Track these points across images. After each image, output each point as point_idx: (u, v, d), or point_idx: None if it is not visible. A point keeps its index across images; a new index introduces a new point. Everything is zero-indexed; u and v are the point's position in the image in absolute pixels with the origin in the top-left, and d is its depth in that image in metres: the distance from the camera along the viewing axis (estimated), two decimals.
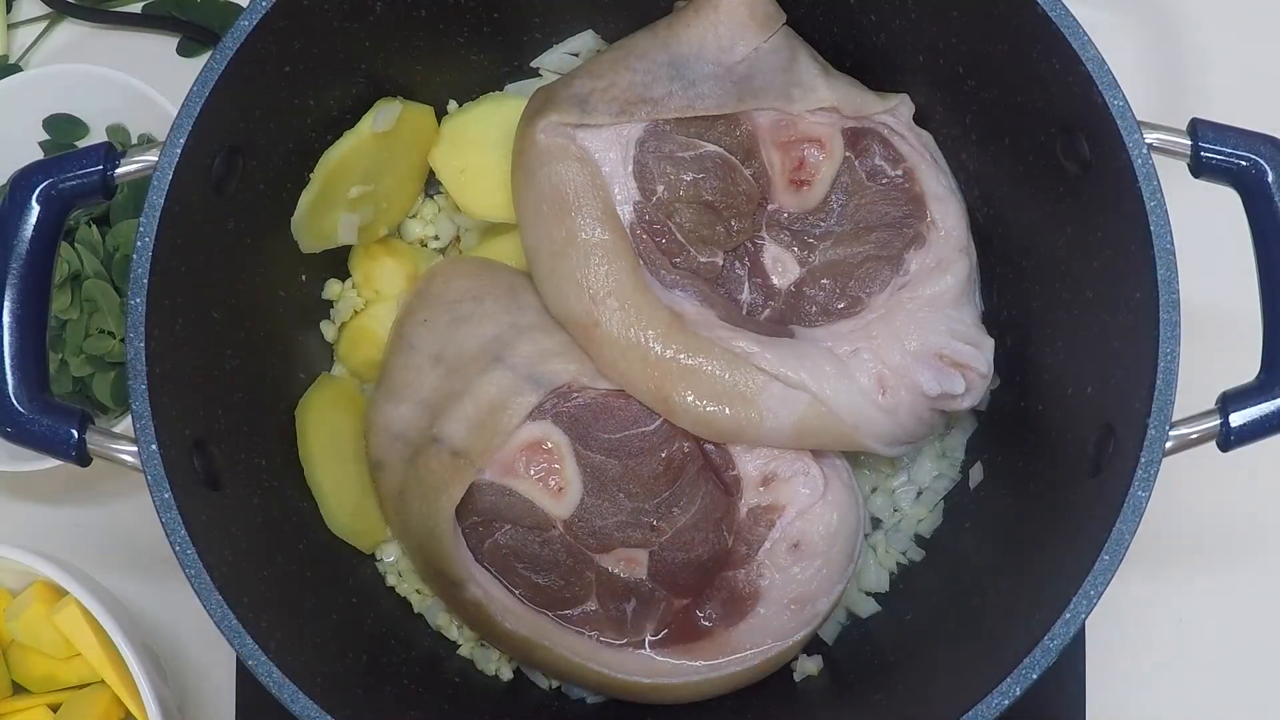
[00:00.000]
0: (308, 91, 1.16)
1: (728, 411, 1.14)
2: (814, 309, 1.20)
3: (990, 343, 1.18)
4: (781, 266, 1.21)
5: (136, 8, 1.48)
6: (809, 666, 1.22)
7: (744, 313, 1.20)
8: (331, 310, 1.29)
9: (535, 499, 1.16)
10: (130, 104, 1.34)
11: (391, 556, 1.25)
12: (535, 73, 1.32)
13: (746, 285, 1.20)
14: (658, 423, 1.16)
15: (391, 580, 1.26)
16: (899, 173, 1.20)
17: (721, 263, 1.19)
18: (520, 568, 1.16)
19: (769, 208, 1.20)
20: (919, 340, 1.16)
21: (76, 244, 1.31)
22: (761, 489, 1.17)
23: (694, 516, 1.17)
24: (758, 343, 1.15)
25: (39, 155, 1.37)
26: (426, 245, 1.31)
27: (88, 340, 1.30)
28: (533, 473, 1.16)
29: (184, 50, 1.47)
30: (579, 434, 1.16)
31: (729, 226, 1.19)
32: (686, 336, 1.14)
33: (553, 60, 1.32)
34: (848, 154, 1.20)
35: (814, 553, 1.16)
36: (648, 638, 1.17)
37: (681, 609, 1.18)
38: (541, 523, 1.16)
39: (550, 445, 1.16)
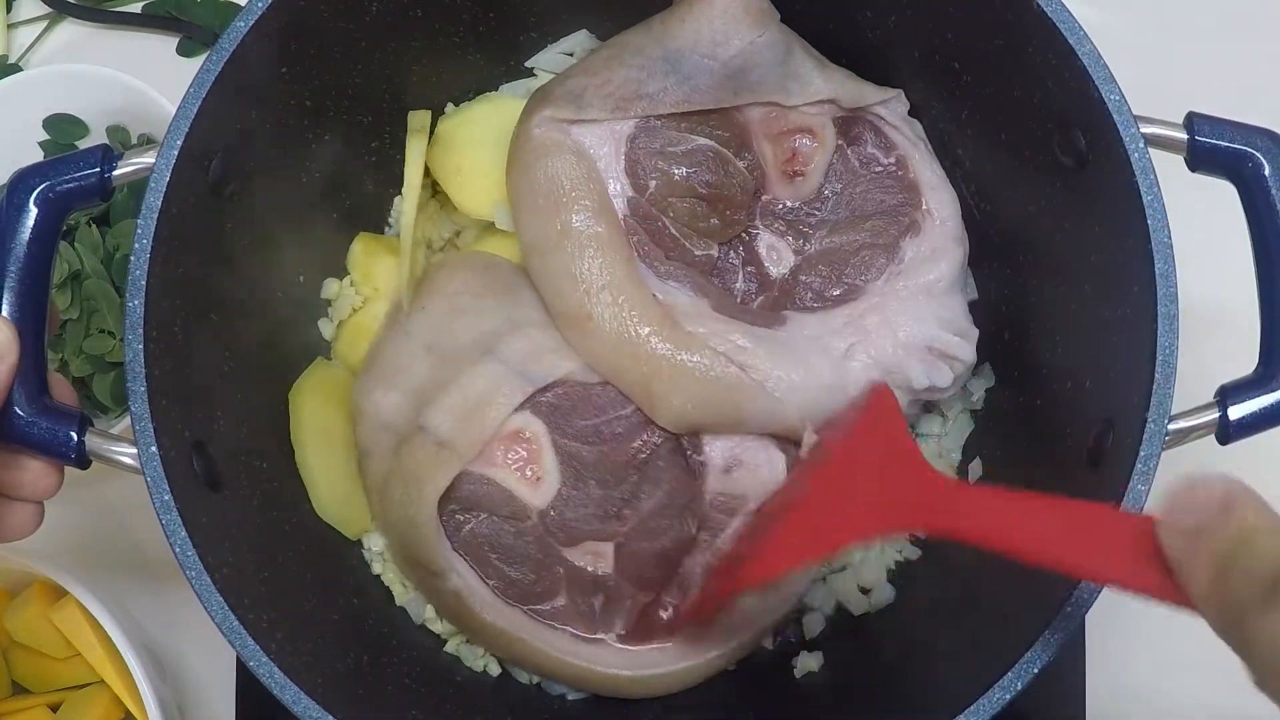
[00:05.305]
0: (304, 93, 1.15)
1: (713, 413, 1.14)
2: (809, 295, 1.20)
3: (975, 332, 1.19)
4: (777, 255, 1.20)
5: (136, 8, 1.48)
6: (809, 663, 1.22)
7: (739, 302, 1.20)
8: (329, 308, 1.29)
9: (513, 488, 1.16)
10: (130, 104, 1.34)
11: (378, 545, 1.25)
12: (530, 73, 1.32)
13: (741, 275, 1.20)
14: (633, 407, 1.16)
15: (377, 568, 1.25)
16: (892, 160, 1.20)
17: (716, 254, 1.19)
18: (494, 559, 1.16)
19: (763, 198, 1.20)
20: (909, 330, 1.16)
21: (76, 244, 1.31)
22: (725, 475, 1.17)
23: (659, 501, 1.16)
24: (751, 338, 1.15)
25: (39, 155, 1.37)
26: (426, 244, 1.31)
27: (88, 340, 1.30)
28: (511, 462, 1.15)
29: (184, 50, 1.47)
30: (556, 422, 1.16)
31: (724, 218, 1.19)
32: (678, 334, 1.14)
33: (547, 60, 1.32)
34: (840, 142, 1.20)
35: None
36: (616, 633, 1.17)
37: (648, 604, 1.17)
38: (518, 513, 1.16)
39: (529, 435, 1.16)
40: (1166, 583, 0.77)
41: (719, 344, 1.14)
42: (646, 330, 1.13)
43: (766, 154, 1.20)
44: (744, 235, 1.20)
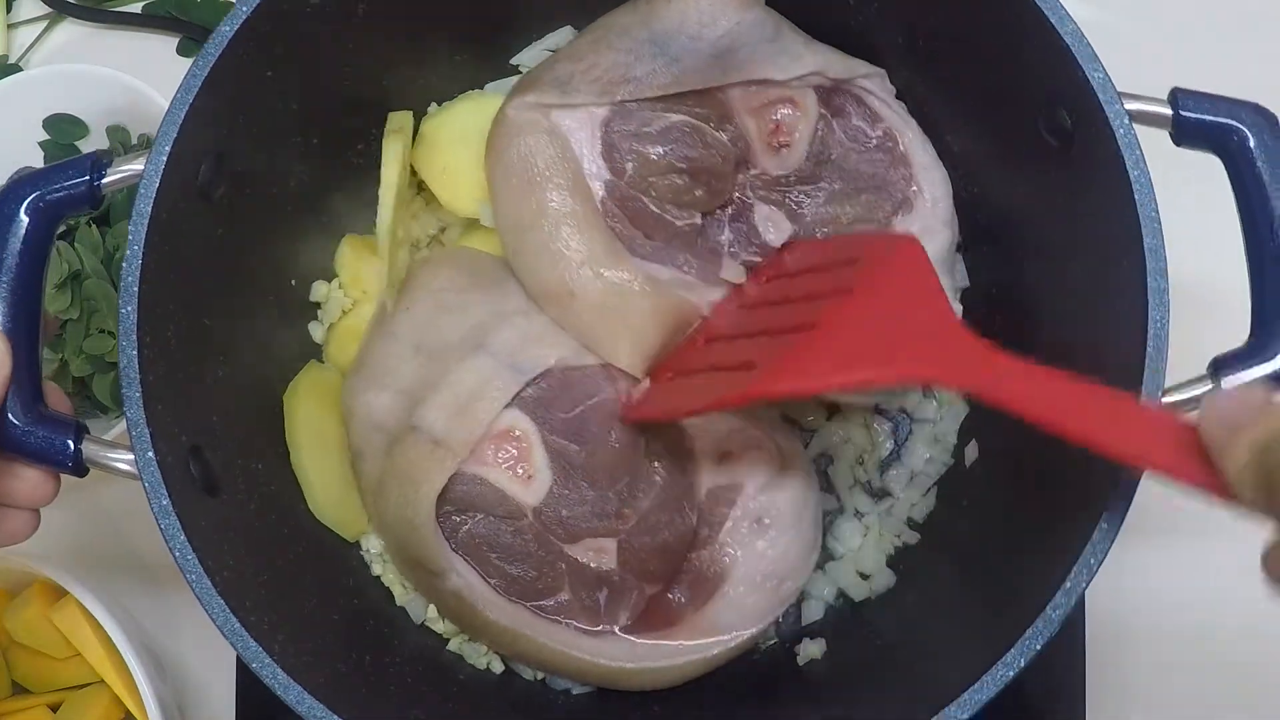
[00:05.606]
0: (291, 96, 1.15)
1: None
2: None
3: (959, 309, 1.20)
4: (773, 225, 1.19)
5: (136, 8, 1.49)
6: (812, 649, 1.22)
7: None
8: (319, 311, 1.29)
9: (505, 487, 1.14)
10: (130, 104, 1.35)
11: (376, 547, 1.25)
12: (516, 70, 1.31)
13: (734, 241, 1.19)
14: (607, 392, 1.16)
15: (377, 569, 1.25)
16: (879, 132, 1.20)
17: (700, 223, 1.18)
18: (494, 558, 1.15)
19: (752, 172, 1.19)
20: None
21: (76, 244, 1.32)
22: (718, 467, 1.16)
23: (656, 498, 1.15)
24: None
25: (39, 155, 1.39)
26: (412, 244, 1.31)
27: (88, 340, 1.30)
28: (501, 460, 1.14)
29: (184, 50, 1.48)
30: (542, 417, 1.15)
31: (710, 188, 1.17)
32: (663, 289, 1.14)
33: (532, 57, 1.31)
34: (823, 112, 1.19)
35: (782, 526, 1.16)
36: (622, 625, 1.17)
37: (653, 596, 1.17)
38: (513, 512, 1.15)
39: (519, 433, 1.15)
40: (1200, 468, 0.83)
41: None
42: (633, 293, 1.13)
43: (750, 129, 1.18)
44: (740, 200, 1.19)
